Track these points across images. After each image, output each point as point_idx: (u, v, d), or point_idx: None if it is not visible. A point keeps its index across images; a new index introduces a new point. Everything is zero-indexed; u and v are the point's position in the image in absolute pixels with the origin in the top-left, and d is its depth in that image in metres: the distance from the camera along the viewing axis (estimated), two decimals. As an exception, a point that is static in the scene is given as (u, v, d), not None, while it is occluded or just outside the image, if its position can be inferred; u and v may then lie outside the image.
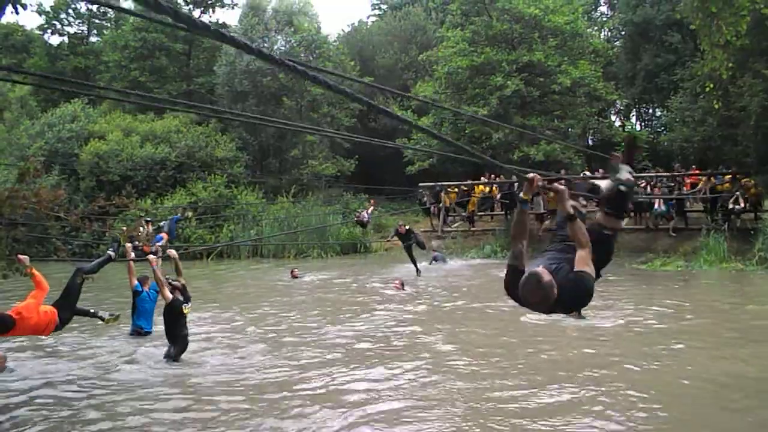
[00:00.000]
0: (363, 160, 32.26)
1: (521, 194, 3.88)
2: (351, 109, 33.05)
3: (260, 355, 9.16)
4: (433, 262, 20.02)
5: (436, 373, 7.92)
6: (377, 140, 8.36)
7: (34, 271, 7.63)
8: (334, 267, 21.20)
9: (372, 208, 22.57)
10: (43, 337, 8.74)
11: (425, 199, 26.14)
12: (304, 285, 16.94)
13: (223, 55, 32.98)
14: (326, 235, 25.37)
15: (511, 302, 4.06)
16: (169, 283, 8.85)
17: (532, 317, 10.39)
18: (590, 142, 32.67)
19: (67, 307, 8.31)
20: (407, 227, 18.80)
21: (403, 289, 14.96)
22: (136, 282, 10.26)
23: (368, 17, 48.02)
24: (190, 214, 24.27)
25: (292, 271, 18.32)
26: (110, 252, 9.14)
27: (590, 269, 3.73)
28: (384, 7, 47.89)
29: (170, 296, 8.69)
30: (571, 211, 3.81)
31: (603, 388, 7.11)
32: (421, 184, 26.05)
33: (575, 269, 3.73)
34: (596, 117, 29.13)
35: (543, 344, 9.39)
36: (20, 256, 7.27)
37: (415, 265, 18.16)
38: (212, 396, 7.24)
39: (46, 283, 7.81)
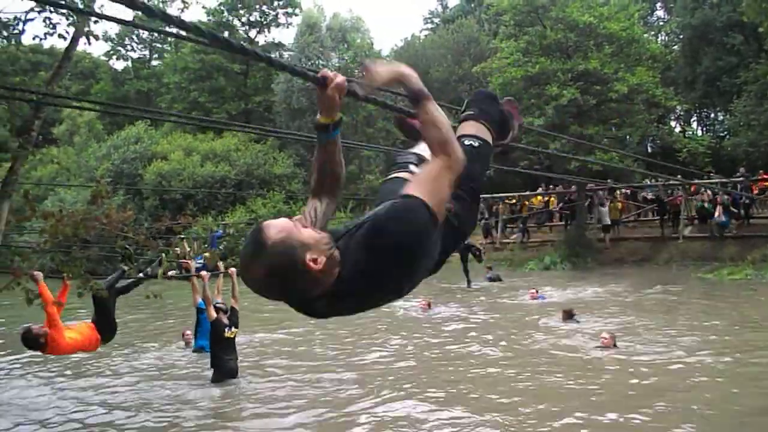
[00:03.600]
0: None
1: (318, 116, 2.24)
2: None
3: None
4: (488, 281, 19.49)
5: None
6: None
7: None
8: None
9: None
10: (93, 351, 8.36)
11: (482, 210, 26.05)
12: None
13: (281, 73, 33.58)
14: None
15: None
16: (214, 306, 8.78)
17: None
18: (649, 150, 32.05)
19: (105, 323, 8.01)
20: (466, 242, 18.74)
21: (430, 309, 14.05)
22: (199, 299, 9.89)
23: (421, 31, 48.23)
24: (232, 230, 24.59)
25: None
26: (123, 267, 8.66)
27: (433, 199, 1.89)
28: (436, 20, 48.06)
29: (214, 315, 8.63)
30: (420, 86, 2.20)
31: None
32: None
33: (400, 193, 1.94)
34: (655, 124, 28.57)
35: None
36: (34, 273, 6.95)
37: (467, 276, 18.11)
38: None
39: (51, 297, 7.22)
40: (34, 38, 8.27)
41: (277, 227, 1.78)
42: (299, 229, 1.82)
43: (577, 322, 11.50)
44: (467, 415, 6.79)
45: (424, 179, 1.94)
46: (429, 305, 14.15)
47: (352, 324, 12.04)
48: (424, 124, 2.08)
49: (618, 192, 23.43)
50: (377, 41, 62.83)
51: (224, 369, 8.61)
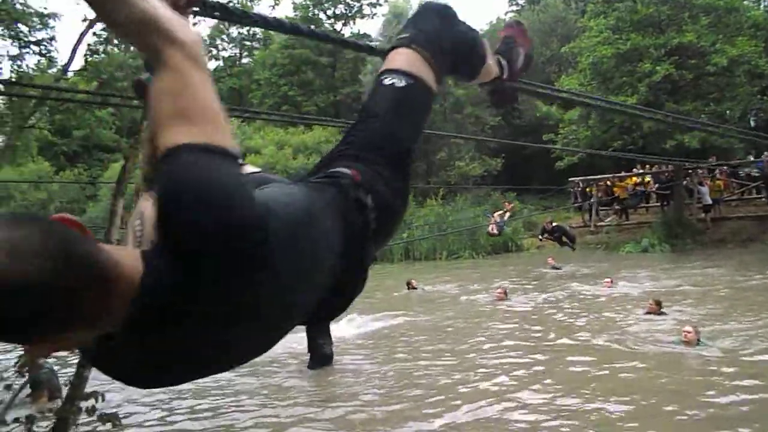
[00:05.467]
0: (510, 157, 32.02)
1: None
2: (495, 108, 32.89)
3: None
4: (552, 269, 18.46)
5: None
6: (504, 140, 8.34)
7: None
8: (478, 268, 21.05)
9: (507, 212, 20.56)
10: None
11: (576, 194, 25.60)
12: (417, 296, 15.59)
13: (369, 63, 33.90)
14: (477, 236, 25.37)
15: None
16: None
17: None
18: (752, 124, 30.54)
19: None
20: (554, 223, 18.51)
21: (506, 298, 13.35)
22: None
23: (506, 13, 47.42)
24: None
25: (409, 283, 16.39)
26: None
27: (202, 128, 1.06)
28: (521, 2, 47.20)
29: None
30: None
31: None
32: (570, 179, 25.52)
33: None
34: (759, 96, 27.19)
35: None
36: None
37: (572, 246, 18.10)
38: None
39: None
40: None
41: None
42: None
43: (665, 313, 10.52)
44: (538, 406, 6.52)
45: (172, 110, 1.07)
46: (505, 293, 13.57)
47: (442, 316, 12.19)
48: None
49: (718, 170, 22.48)
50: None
51: (320, 354, 8.75)
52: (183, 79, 1.09)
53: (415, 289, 16.18)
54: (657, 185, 23.31)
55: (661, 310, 10.54)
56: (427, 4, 1.79)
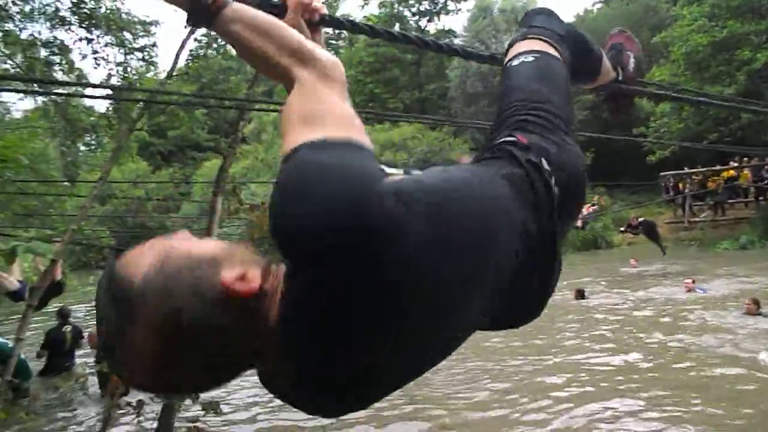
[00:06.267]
0: (599, 152, 31.27)
1: None
2: (583, 102, 32.23)
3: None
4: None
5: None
6: (588, 134, 8.17)
7: None
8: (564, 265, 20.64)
9: (594, 206, 20.19)
10: None
11: (668, 188, 24.84)
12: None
13: (456, 59, 33.88)
14: (564, 232, 24.88)
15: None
16: None
17: None
18: None
19: None
20: (640, 219, 17.99)
21: (583, 298, 12.99)
22: None
23: (594, 5, 46.29)
24: None
25: None
26: None
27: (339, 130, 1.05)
28: (609, -8, 45.99)
29: None
30: None
31: None
32: (661, 174, 24.75)
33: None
34: None
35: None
36: None
37: (660, 247, 17.39)
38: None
39: None
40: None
41: (142, 257, 0.96)
42: (191, 242, 1.01)
43: (762, 314, 9.91)
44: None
45: (296, 117, 1.06)
46: (582, 294, 13.20)
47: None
48: (236, 36, 1.17)
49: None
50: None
51: None
52: (310, 92, 1.09)
53: None
54: (755, 179, 22.31)
55: (760, 309, 10.08)
56: (530, 10, 1.77)
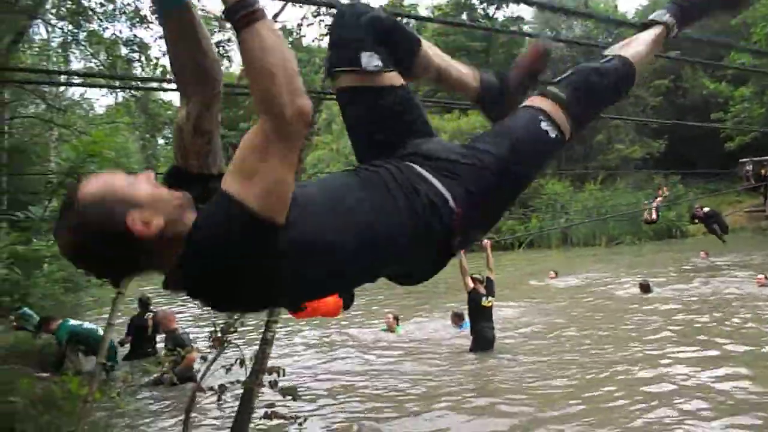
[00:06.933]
0: (673, 139, 30.46)
1: None
2: (656, 87, 31.44)
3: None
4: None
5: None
6: (661, 120, 7.98)
7: None
8: (637, 256, 20.18)
9: (660, 197, 19.46)
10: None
11: (747, 176, 24.00)
12: (555, 288, 14.98)
13: (524, 47, 33.51)
14: (638, 221, 24.44)
15: None
16: (471, 276, 9.14)
17: None
18: None
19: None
20: (706, 210, 17.34)
21: (650, 292, 12.63)
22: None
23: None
24: None
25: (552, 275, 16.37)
26: None
27: (259, 195, 1.29)
28: (687, -28, 44.54)
29: (471, 285, 9.03)
30: None
31: None
32: (741, 160, 23.93)
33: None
34: None
35: None
36: None
37: (720, 237, 16.83)
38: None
39: None
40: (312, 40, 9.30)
41: (97, 182, 1.33)
42: (133, 184, 1.33)
43: None
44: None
45: (237, 161, 1.30)
46: (647, 288, 12.86)
47: (584, 306, 11.96)
48: (246, 63, 1.33)
49: None
50: (621, 3, 59.98)
51: (482, 338, 8.95)
52: (265, 145, 1.27)
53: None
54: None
55: None
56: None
